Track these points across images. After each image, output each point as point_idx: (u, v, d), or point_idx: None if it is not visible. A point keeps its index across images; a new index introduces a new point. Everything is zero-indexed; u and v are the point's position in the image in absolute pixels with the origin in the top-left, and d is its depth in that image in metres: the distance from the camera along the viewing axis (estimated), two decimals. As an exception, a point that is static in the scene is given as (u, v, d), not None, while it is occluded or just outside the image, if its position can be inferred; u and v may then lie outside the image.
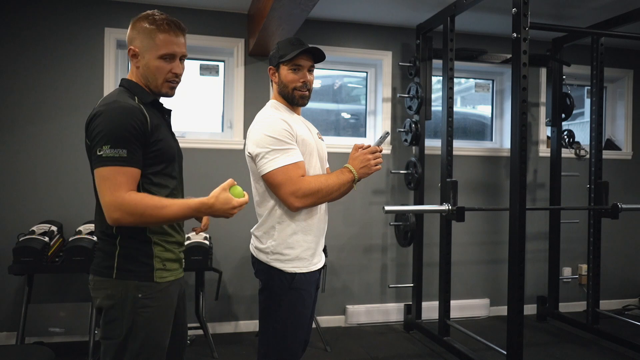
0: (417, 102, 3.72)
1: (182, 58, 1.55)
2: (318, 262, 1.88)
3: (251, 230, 1.89)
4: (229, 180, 1.46)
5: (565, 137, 4.16)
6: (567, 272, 4.44)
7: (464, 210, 3.12)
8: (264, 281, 1.82)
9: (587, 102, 4.58)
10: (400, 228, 3.76)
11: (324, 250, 2.03)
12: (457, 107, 4.50)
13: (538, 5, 3.44)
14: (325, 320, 3.87)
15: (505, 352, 2.78)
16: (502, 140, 4.44)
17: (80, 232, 3.10)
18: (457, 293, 4.06)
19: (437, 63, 3.78)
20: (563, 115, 4.04)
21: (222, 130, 3.88)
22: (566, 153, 4.17)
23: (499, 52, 4.05)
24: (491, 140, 4.51)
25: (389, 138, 3.65)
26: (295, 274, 1.78)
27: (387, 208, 3.06)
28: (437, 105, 3.95)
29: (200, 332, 3.41)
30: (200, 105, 3.91)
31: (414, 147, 3.86)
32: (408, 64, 3.91)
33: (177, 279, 1.57)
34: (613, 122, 4.78)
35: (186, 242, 3.11)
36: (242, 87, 3.74)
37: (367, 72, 4.20)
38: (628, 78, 4.63)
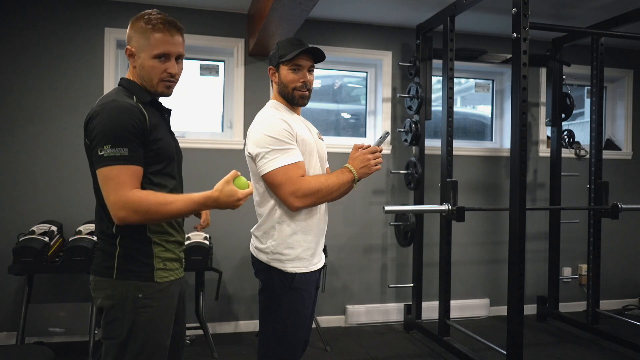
0: (417, 102, 3.72)
1: (179, 58, 1.54)
2: (318, 262, 1.88)
3: (251, 230, 1.89)
4: (232, 172, 1.45)
5: (565, 137, 4.16)
6: (567, 272, 4.44)
7: (464, 210, 3.12)
8: (264, 281, 1.82)
9: (587, 102, 4.58)
10: (400, 228, 3.76)
11: (324, 250, 2.03)
12: (457, 107, 4.50)
13: (538, 5, 3.44)
14: (325, 320, 3.87)
15: (505, 352, 2.78)
16: (502, 140, 4.44)
17: (80, 232, 3.10)
18: (457, 293, 4.06)
19: (437, 63, 3.78)
20: (563, 115, 4.04)
21: (222, 130, 3.88)
22: (566, 153, 4.18)
23: (499, 52, 4.05)
24: (491, 140, 4.51)
25: (389, 138, 3.65)
26: (295, 274, 1.78)
27: (387, 208, 3.06)
28: (437, 105, 3.95)
29: (200, 332, 3.41)
30: (200, 105, 3.91)
31: (414, 147, 3.86)
32: (408, 64, 3.91)
33: (177, 279, 1.57)
34: (613, 122, 4.78)
35: (186, 242, 3.11)
36: (242, 87, 3.74)
37: (367, 72, 4.20)
38: (628, 78, 4.63)
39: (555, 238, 4.05)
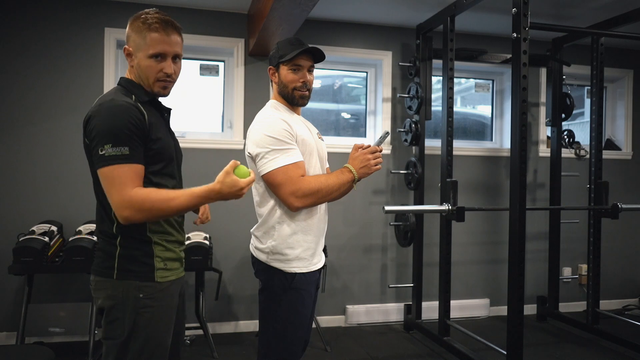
0: (417, 102, 3.72)
1: (176, 57, 1.53)
2: (318, 262, 1.88)
3: (251, 230, 1.89)
4: (231, 162, 1.43)
5: (565, 137, 4.16)
6: (567, 272, 4.44)
7: (464, 210, 3.12)
8: (264, 281, 1.82)
9: (587, 102, 4.58)
10: (400, 228, 3.76)
11: (324, 250, 2.03)
12: (457, 107, 4.50)
13: (538, 5, 3.44)
14: (325, 320, 3.87)
15: (505, 352, 2.78)
16: (502, 140, 4.44)
17: (80, 232, 3.11)
18: (457, 293, 4.06)
19: (437, 63, 3.78)
20: (563, 115, 4.04)
21: (222, 130, 3.88)
22: (566, 153, 4.17)
23: (499, 52, 4.05)
24: (491, 140, 4.51)
25: (388, 138, 3.65)
26: (295, 274, 1.78)
27: (387, 208, 3.06)
28: (437, 105, 3.95)
29: (200, 332, 3.41)
30: (200, 105, 3.91)
31: (414, 147, 3.86)
32: (408, 64, 3.91)
33: (178, 279, 1.57)
34: (613, 122, 4.78)
35: (186, 242, 3.11)
36: (242, 87, 3.74)
37: (367, 72, 4.20)
38: (628, 78, 4.63)
39: (555, 238, 4.05)
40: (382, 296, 4.05)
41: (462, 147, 4.17)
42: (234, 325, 3.74)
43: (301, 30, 3.31)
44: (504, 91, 4.48)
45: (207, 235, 3.39)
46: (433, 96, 3.81)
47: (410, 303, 3.89)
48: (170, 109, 1.66)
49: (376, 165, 1.83)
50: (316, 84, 4.12)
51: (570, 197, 4.25)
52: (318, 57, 1.88)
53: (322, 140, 2.00)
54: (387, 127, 4.03)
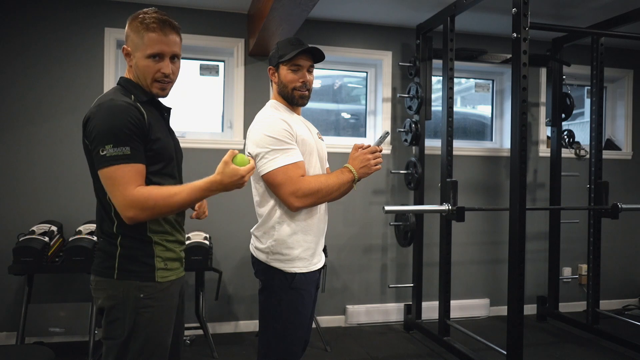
0: (417, 102, 3.72)
1: (174, 57, 1.52)
2: (318, 262, 1.88)
3: (251, 230, 1.89)
4: (229, 152, 1.43)
5: (565, 137, 4.16)
6: (567, 272, 4.44)
7: (464, 210, 3.12)
8: (263, 281, 1.82)
9: (587, 102, 4.58)
10: (400, 228, 3.76)
11: (324, 250, 2.03)
12: (457, 107, 4.50)
13: (538, 5, 3.44)
14: (325, 320, 3.87)
15: (505, 352, 2.78)
16: (502, 140, 4.44)
17: (80, 232, 3.10)
18: (457, 293, 4.06)
19: (437, 63, 3.78)
20: (563, 115, 4.04)
21: (222, 130, 3.88)
22: (566, 153, 4.17)
23: (499, 52, 4.05)
24: (491, 140, 4.51)
25: (388, 138, 3.65)
26: (295, 274, 1.78)
27: (387, 208, 3.06)
28: (437, 105, 3.95)
29: (200, 332, 3.41)
30: (200, 105, 3.91)
31: (414, 147, 3.86)
32: (408, 64, 3.91)
33: (178, 278, 1.57)
34: (613, 122, 4.78)
35: (186, 242, 3.10)
36: (242, 87, 3.74)
37: (367, 72, 4.20)
38: (628, 78, 4.63)
39: (555, 238, 4.05)
40: (382, 296, 4.05)
41: (462, 147, 4.17)
42: (234, 325, 3.74)
43: (301, 30, 3.31)
44: (504, 91, 4.48)
45: (207, 235, 3.39)
46: (433, 96, 3.81)
47: (410, 303, 3.89)
48: (170, 109, 1.65)
49: (376, 165, 1.83)
50: (316, 84, 4.12)
51: (570, 197, 4.25)
52: (318, 57, 1.88)
53: (322, 140, 2.00)
54: (387, 127, 4.03)
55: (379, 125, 4.10)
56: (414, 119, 3.77)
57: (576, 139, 4.19)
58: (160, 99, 1.60)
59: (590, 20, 3.79)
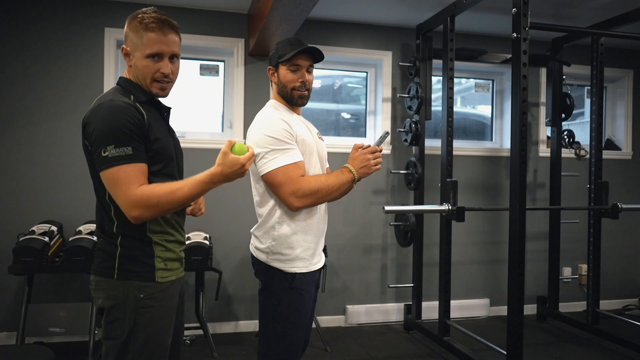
0: (417, 102, 3.72)
1: (174, 57, 1.51)
2: (318, 262, 1.88)
3: (251, 230, 1.89)
4: (227, 142, 1.43)
5: (565, 137, 4.16)
6: (567, 272, 4.44)
7: (464, 210, 3.12)
8: (263, 281, 1.82)
9: (587, 102, 4.58)
10: (400, 228, 3.76)
11: (324, 250, 2.03)
12: (457, 107, 4.50)
13: (538, 5, 3.44)
14: (325, 320, 3.87)
15: (505, 352, 2.78)
16: (502, 140, 4.44)
17: (80, 232, 3.10)
18: (457, 293, 4.06)
19: (437, 63, 3.78)
20: (563, 115, 4.04)
21: (222, 130, 3.88)
22: (566, 153, 4.17)
23: (499, 52, 4.05)
24: (491, 140, 4.51)
25: (388, 138, 3.65)
26: (295, 274, 1.78)
27: (387, 208, 3.06)
28: (437, 105, 3.95)
29: (200, 332, 3.41)
30: (200, 105, 3.91)
31: (414, 147, 3.86)
32: (408, 64, 3.92)
33: (178, 279, 1.57)
34: (613, 122, 4.78)
35: (186, 242, 3.10)
36: (242, 87, 3.74)
37: (367, 72, 4.20)
38: (628, 78, 4.63)
39: (555, 238, 4.05)
40: (382, 296, 4.05)
41: (462, 147, 4.17)
42: (234, 325, 3.74)
43: (301, 30, 3.31)
44: (504, 91, 4.48)
45: (207, 235, 3.39)
46: (433, 96, 3.81)
47: (410, 303, 3.89)
48: (169, 108, 1.65)
49: (376, 165, 1.83)
50: (316, 84, 4.12)
51: (570, 197, 4.25)
52: (317, 57, 1.88)
53: (322, 140, 2.00)
54: (387, 127, 4.03)
55: (379, 125, 4.10)
56: (414, 119, 3.77)
57: (576, 139, 4.19)
58: (160, 99, 1.60)
59: (590, 20, 3.79)
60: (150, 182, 1.46)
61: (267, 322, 1.80)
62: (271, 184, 1.75)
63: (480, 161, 4.28)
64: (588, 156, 3.92)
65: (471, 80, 4.55)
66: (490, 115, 4.54)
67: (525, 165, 2.69)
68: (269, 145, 1.74)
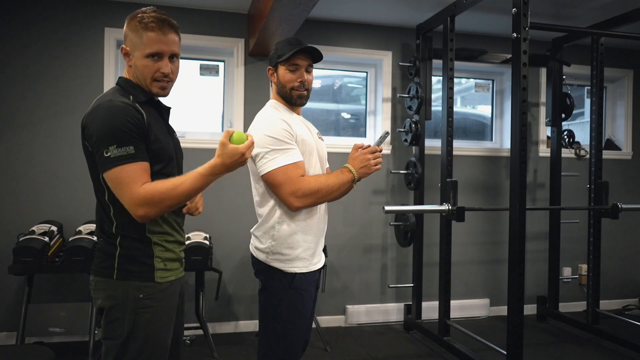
0: (417, 102, 3.72)
1: (173, 57, 1.51)
2: (318, 262, 1.88)
3: (251, 230, 1.89)
4: (225, 132, 1.42)
5: (565, 137, 4.16)
6: (567, 272, 4.44)
7: (464, 210, 3.12)
8: (263, 281, 1.82)
9: (587, 102, 4.58)
10: (400, 228, 3.76)
11: (324, 250, 2.03)
12: (457, 107, 4.50)
13: (538, 5, 3.44)
14: (325, 320, 3.87)
15: (505, 352, 2.78)
16: (502, 140, 4.44)
17: (80, 232, 3.10)
18: (457, 293, 4.06)
19: (437, 63, 3.78)
20: (563, 115, 4.04)
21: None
22: (566, 153, 4.17)
23: (499, 52, 4.05)
24: (491, 140, 4.51)
25: (388, 138, 3.65)
26: (295, 274, 1.78)
27: (387, 208, 3.06)
28: (437, 105, 3.95)
29: (200, 332, 3.41)
30: (200, 105, 3.91)
31: (414, 147, 3.86)
32: (408, 64, 3.91)
33: (177, 279, 1.57)
34: (613, 122, 4.78)
35: (186, 242, 3.10)
36: (242, 87, 3.74)
37: (367, 72, 4.20)
38: (628, 78, 4.63)
39: (555, 238, 4.05)
40: (382, 296, 4.05)
41: (462, 147, 4.17)
42: (234, 325, 3.74)
43: (301, 30, 3.31)
44: (504, 91, 4.48)
45: (207, 235, 3.39)
46: (433, 96, 3.81)
47: (410, 303, 3.89)
48: (169, 108, 1.65)
49: (376, 165, 1.82)
50: (316, 84, 4.12)
51: (570, 197, 4.25)
52: (316, 56, 1.88)
53: (322, 140, 2.00)
54: (387, 127, 4.03)
55: (379, 125, 4.10)
56: (414, 119, 3.77)
57: (576, 139, 4.20)
58: (161, 99, 1.59)
59: (590, 20, 3.78)
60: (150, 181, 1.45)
61: (267, 322, 1.80)
62: (271, 184, 1.75)
63: (480, 161, 4.28)
64: (588, 156, 3.92)
65: (471, 80, 4.55)
66: (490, 115, 4.54)
67: (525, 165, 2.69)
68: (269, 145, 1.74)
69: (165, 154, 1.51)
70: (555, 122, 4.04)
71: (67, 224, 3.37)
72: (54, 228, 3.16)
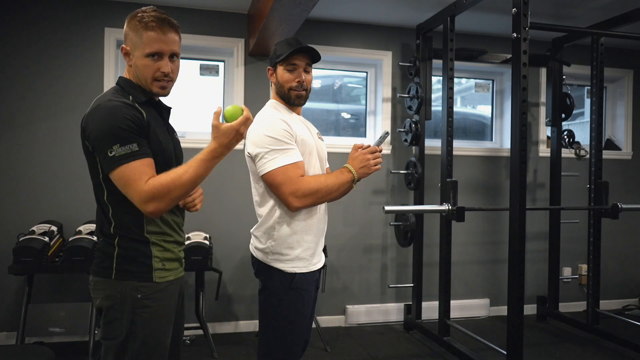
0: (417, 102, 3.72)
1: (174, 56, 1.51)
2: (318, 262, 1.88)
3: (251, 230, 1.89)
4: (215, 113, 1.42)
5: (565, 137, 4.16)
6: (567, 272, 4.44)
7: (464, 210, 3.12)
8: (263, 281, 1.82)
9: (587, 102, 4.58)
10: (400, 228, 3.76)
11: (324, 250, 2.03)
12: (457, 107, 4.50)
13: (538, 5, 3.44)
14: (325, 320, 3.87)
15: (505, 352, 2.78)
16: (502, 140, 4.44)
17: (80, 232, 3.11)
18: (457, 293, 4.06)
19: (437, 63, 3.78)
20: (563, 115, 4.04)
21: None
22: (566, 153, 4.17)
23: (499, 52, 4.05)
24: (491, 140, 4.51)
25: (388, 138, 3.65)
26: (295, 274, 1.78)
27: (387, 208, 3.06)
28: (437, 105, 3.95)
29: (200, 332, 3.41)
30: (200, 105, 3.91)
31: (414, 147, 3.86)
32: (408, 64, 3.91)
33: (177, 279, 1.57)
34: (613, 122, 4.78)
35: (186, 242, 3.10)
36: (242, 87, 3.74)
37: (367, 72, 4.20)
38: (628, 78, 4.63)
39: (555, 238, 4.05)
40: (382, 296, 4.05)
41: (462, 147, 4.17)
42: (234, 325, 3.74)
43: (301, 30, 3.31)
44: (504, 91, 4.48)
45: (207, 235, 3.39)
46: (433, 96, 3.81)
47: (410, 303, 3.89)
48: (170, 108, 1.65)
49: (376, 165, 1.82)
50: (316, 84, 4.12)
51: (570, 197, 4.25)
52: (315, 56, 1.88)
53: (322, 140, 2.00)
54: (387, 127, 4.02)
55: (379, 125, 4.10)
56: (414, 119, 3.77)
57: (576, 139, 4.19)
58: (161, 99, 1.59)
59: (590, 20, 3.78)
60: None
61: (267, 322, 1.80)
62: (271, 184, 1.75)
63: (480, 161, 4.28)
64: (588, 156, 3.92)
65: (471, 80, 4.55)
66: (490, 115, 4.54)
67: (525, 165, 2.69)
68: (269, 146, 1.74)
69: (165, 154, 1.51)
70: (555, 122, 4.04)
71: (67, 224, 3.37)
72: (54, 228, 3.16)
